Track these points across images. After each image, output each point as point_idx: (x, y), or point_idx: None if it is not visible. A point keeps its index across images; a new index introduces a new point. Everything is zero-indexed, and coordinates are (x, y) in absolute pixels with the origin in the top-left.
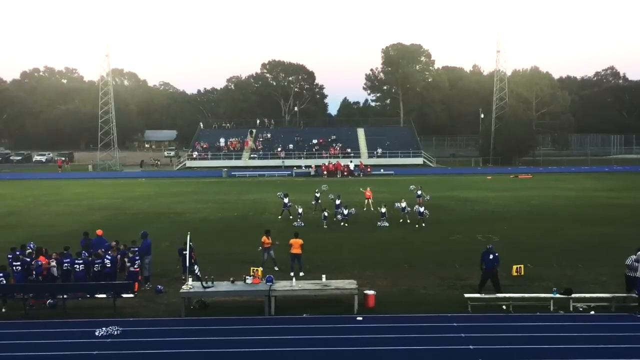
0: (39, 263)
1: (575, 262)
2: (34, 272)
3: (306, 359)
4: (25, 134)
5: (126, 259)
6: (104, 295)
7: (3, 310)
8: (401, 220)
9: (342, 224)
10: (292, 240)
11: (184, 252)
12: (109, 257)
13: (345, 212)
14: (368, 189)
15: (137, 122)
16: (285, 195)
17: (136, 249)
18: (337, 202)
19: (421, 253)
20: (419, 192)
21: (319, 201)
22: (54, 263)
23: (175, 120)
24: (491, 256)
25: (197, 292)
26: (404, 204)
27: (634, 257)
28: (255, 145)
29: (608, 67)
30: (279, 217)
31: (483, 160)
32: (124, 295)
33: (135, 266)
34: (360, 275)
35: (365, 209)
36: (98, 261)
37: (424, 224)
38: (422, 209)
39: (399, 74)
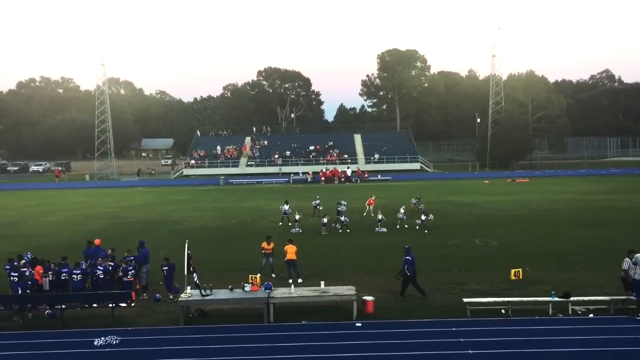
0: (30, 272)
1: (574, 265)
2: (29, 282)
3: None
4: (22, 144)
5: (119, 269)
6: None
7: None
8: (397, 227)
9: (339, 230)
10: (287, 247)
11: (164, 268)
12: (101, 268)
13: (343, 218)
14: (373, 197)
15: (134, 131)
16: (286, 202)
17: (131, 258)
18: (341, 207)
19: (419, 258)
20: (414, 201)
21: (319, 207)
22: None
23: (172, 128)
24: (409, 257)
25: (195, 301)
26: (402, 211)
27: (628, 259)
28: (252, 152)
29: (603, 70)
30: (280, 223)
31: (480, 164)
32: (121, 305)
33: (129, 276)
34: (359, 281)
35: (365, 215)
36: (95, 270)
37: (425, 230)
38: (422, 217)
39: (395, 79)
